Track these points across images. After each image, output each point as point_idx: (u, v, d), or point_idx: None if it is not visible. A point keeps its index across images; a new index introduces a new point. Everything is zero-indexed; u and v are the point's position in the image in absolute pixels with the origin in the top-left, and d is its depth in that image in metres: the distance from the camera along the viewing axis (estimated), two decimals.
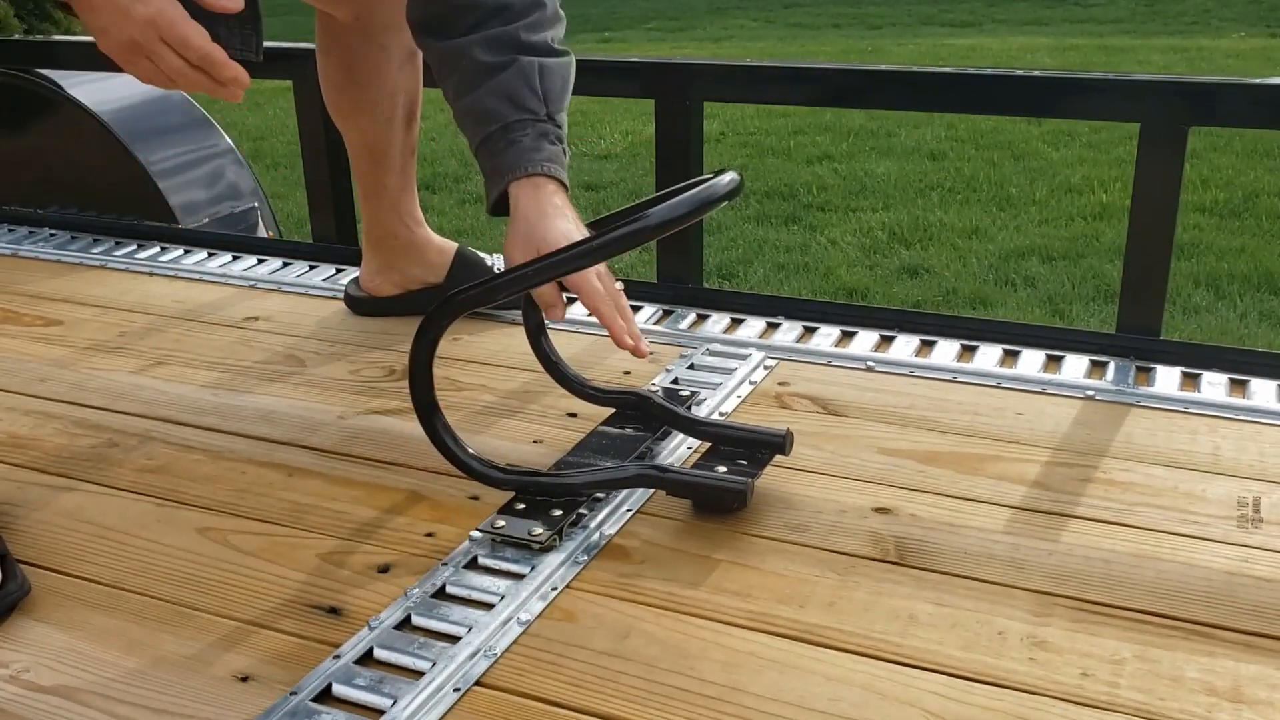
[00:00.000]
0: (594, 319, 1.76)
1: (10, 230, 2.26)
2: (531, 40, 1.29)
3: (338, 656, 0.98)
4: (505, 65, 1.27)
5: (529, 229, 1.25)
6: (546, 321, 1.41)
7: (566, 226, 1.24)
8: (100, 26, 1.08)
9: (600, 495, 1.22)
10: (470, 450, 1.22)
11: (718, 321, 1.71)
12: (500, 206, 1.30)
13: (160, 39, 1.06)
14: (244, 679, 0.96)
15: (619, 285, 1.27)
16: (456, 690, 0.94)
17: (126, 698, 0.94)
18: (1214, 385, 1.46)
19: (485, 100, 1.28)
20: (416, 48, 1.64)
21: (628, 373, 1.55)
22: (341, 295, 1.83)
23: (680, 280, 1.81)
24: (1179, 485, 1.24)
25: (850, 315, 1.71)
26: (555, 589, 1.07)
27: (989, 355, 1.57)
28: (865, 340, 1.63)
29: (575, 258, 1.15)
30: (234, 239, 2.24)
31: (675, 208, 1.16)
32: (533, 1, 1.32)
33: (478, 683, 0.95)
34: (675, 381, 1.50)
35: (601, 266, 1.25)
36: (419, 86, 1.67)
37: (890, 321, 1.67)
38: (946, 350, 1.59)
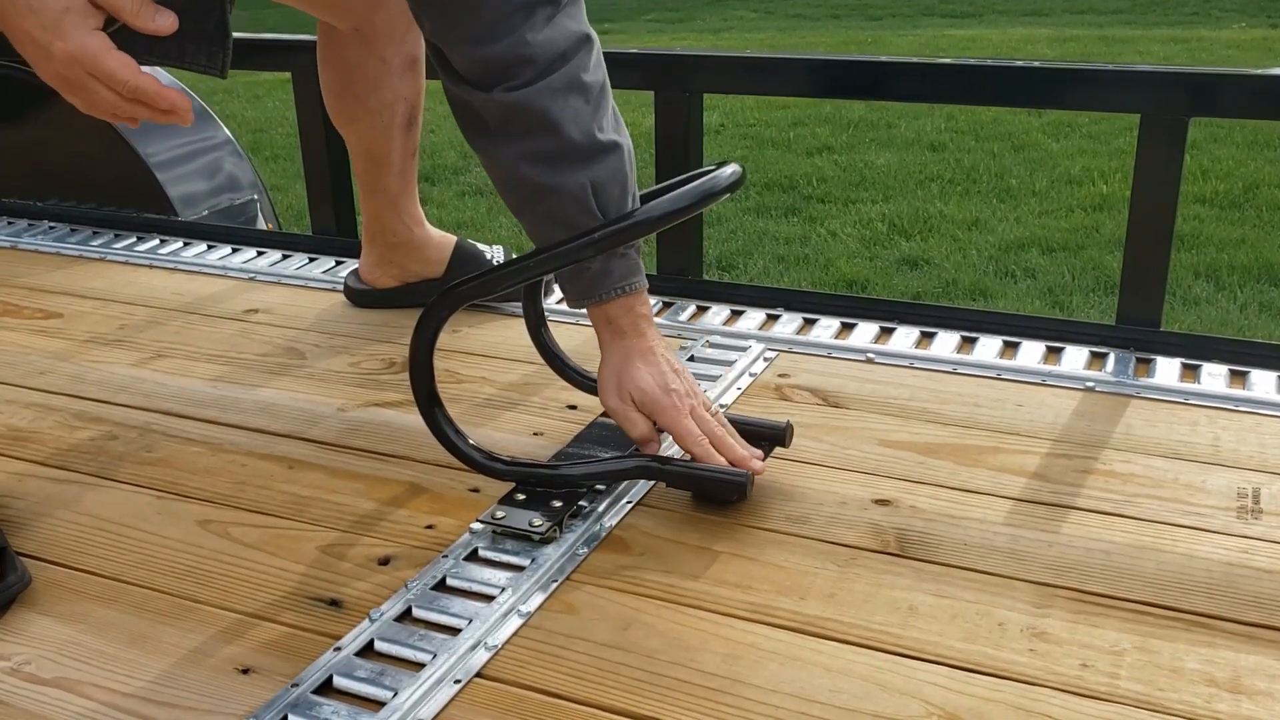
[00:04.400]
0: None
1: (9, 223, 2.26)
2: (576, 144, 1.15)
3: (338, 649, 0.98)
4: (553, 190, 1.16)
5: (618, 376, 1.23)
6: (547, 313, 1.41)
7: (652, 370, 1.21)
8: (30, 59, 1.03)
9: (601, 487, 1.22)
10: (471, 442, 1.22)
11: (717, 313, 1.71)
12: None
13: (88, 73, 1.01)
14: (245, 671, 0.96)
15: (719, 408, 1.25)
16: (457, 682, 0.94)
17: (127, 690, 0.94)
18: (1214, 376, 1.46)
19: (543, 227, 1.19)
20: (418, 55, 1.63)
21: None
22: (341, 288, 1.83)
23: (680, 272, 1.81)
24: (1179, 476, 1.24)
25: (850, 307, 1.71)
26: (556, 581, 1.07)
27: (989, 347, 1.57)
28: (865, 332, 1.62)
29: (573, 251, 1.15)
30: (233, 231, 2.23)
31: (677, 200, 1.16)
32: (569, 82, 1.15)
33: (478, 674, 0.95)
34: None
35: (699, 395, 1.23)
36: (420, 93, 1.66)
37: (890, 313, 1.67)
38: (946, 342, 1.59)
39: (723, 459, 1.19)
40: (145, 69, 1.03)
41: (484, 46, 1.14)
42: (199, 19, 1.09)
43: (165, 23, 1.03)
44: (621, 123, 1.21)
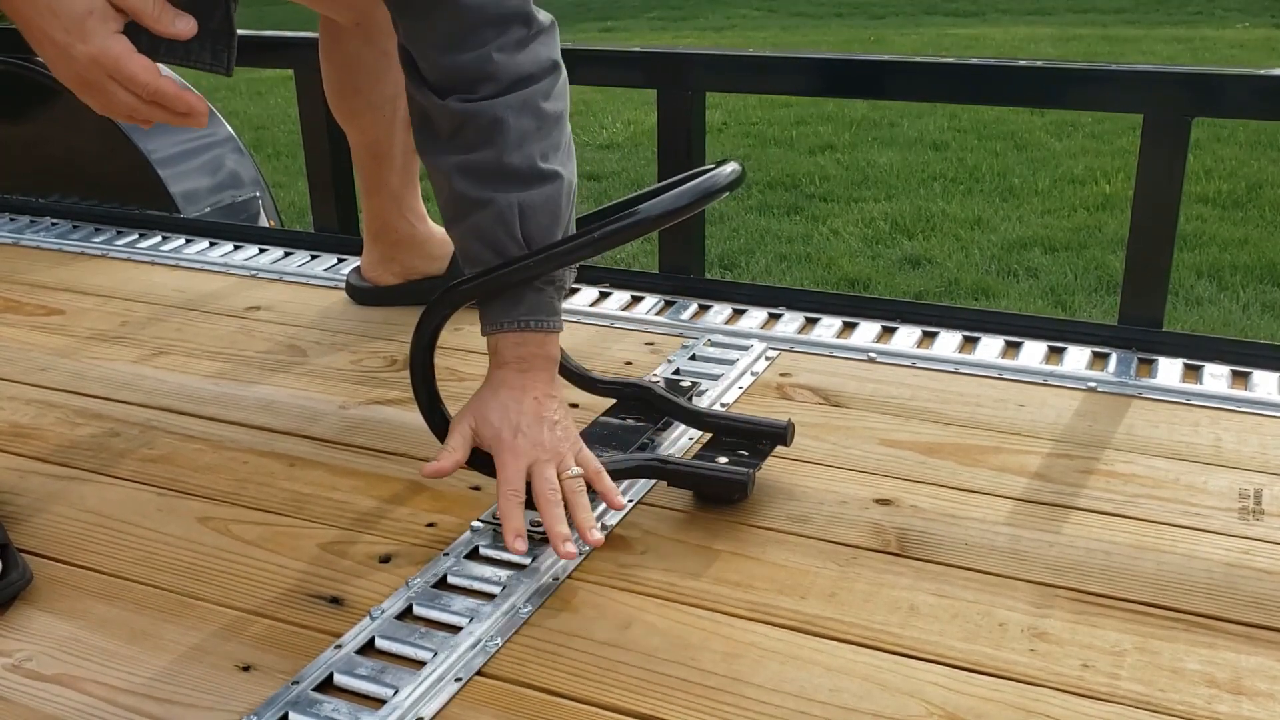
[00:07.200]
0: (594, 309, 1.76)
1: (11, 219, 2.26)
2: (514, 166, 1.14)
3: (339, 646, 0.98)
4: (482, 204, 1.15)
5: (479, 402, 1.17)
6: None
7: (513, 407, 1.14)
8: (48, 60, 1.03)
9: None
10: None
11: (719, 312, 1.71)
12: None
13: (108, 76, 1.01)
14: (246, 668, 0.96)
15: (576, 472, 1.13)
16: (458, 680, 0.94)
17: (128, 687, 0.94)
18: (1216, 377, 1.46)
19: (466, 240, 1.18)
20: None
21: (629, 363, 1.55)
22: (343, 285, 1.83)
23: (682, 271, 1.81)
24: (1180, 477, 1.24)
25: (852, 306, 1.71)
26: (556, 579, 1.07)
27: (991, 346, 1.56)
28: (867, 331, 1.62)
29: (575, 250, 1.15)
30: (235, 228, 2.23)
31: (676, 199, 1.16)
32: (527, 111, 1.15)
33: (479, 673, 0.95)
34: (677, 372, 1.50)
35: (561, 457, 1.13)
36: None
37: (892, 312, 1.67)
38: (948, 341, 1.59)
39: (517, 523, 1.09)
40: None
41: (451, 54, 1.14)
42: (203, 16, 1.09)
43: (185, 27, 1.03)
44: (571, 156, 1.20)
